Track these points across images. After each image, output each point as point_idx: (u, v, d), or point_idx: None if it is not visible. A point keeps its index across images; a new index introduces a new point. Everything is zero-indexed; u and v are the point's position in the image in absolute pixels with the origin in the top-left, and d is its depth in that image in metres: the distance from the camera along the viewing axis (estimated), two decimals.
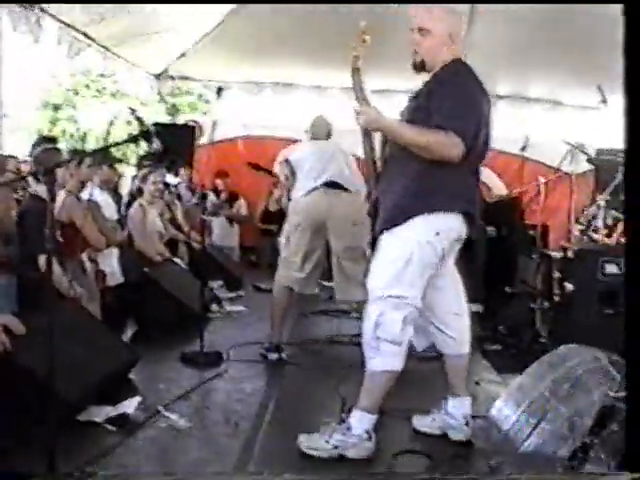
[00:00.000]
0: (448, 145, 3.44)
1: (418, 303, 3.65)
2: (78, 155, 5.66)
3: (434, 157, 3.50)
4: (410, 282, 3.62)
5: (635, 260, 2.59)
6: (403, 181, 3.65)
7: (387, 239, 3.70)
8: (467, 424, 3.88)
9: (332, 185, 5.48)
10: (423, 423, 4.04)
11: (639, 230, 2.61)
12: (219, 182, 10.40)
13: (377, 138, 3.92)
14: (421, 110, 3.60)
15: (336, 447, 3.64)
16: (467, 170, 3.67)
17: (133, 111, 2.97)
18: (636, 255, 2.60)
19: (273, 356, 5.37)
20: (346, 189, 5.50)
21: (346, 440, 3.64)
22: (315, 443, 3.68)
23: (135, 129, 12.95)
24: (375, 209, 3.84)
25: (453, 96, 3.53)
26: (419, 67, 3.75)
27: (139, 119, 2.98)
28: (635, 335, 2.73)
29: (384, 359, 3.64)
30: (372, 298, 3.69)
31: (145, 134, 3.12)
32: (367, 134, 3.90)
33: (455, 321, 3.98)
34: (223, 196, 10.42)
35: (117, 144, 3.50)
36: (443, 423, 3.97)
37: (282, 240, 5.62)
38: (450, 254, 3.85)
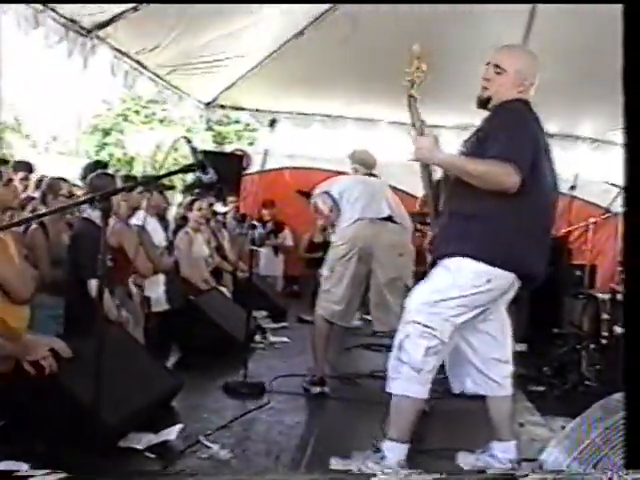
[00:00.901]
0: (503, 174, 3.41)
1: (445, 338, 3.62)
2: (131, 181, 5.71)
3: (489, 186, 3.47)
4: (443, 316, 3.60)
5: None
6: (464, 219, 3.63)
7: (437, 268, 3.70)
8: (512, 468, 3.82)
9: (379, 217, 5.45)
10: (467, 461, 3.99)
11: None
12: (265, 212, 10.44)
13: (438, 173, 3.91)
14: (479, 144, 3.59)
15: (369, 476, 3.60)
16: (533, 226, 3.64)
17: (189, 141, 2.98)
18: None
19: (315, 389, 5.31)
20: (393, 220, 5.46)
21: (379, 469, 3.60)
22: (348, 468, 3.67)
23: (182, 156, 13.11)
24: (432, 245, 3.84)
25: (509, 128, 3.53)
26: (484, 103, 3.75)
27: (194, 149, 3.00)
28: (634, 331, 2.68)
29: (404, 383, 3.62)
30: (403, 319, 3.70)
31: (201, 164, 3.13)
32: (425, 167, 3.89)
33: (496, 366, 3.91)
34: (269, 226, 10.45)
35: (173, 173, 3.52)
36: (487, 464, 3.91)
37: (324, 272, 5.53)
38: (501, 301, 3.80)
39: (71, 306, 4.71)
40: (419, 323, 3.60)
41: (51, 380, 3.81)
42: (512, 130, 3.51)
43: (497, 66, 3.69)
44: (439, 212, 3.90)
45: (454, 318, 3.62)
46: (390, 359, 3.71)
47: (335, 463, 3.73)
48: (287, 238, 10.86)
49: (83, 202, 4.16)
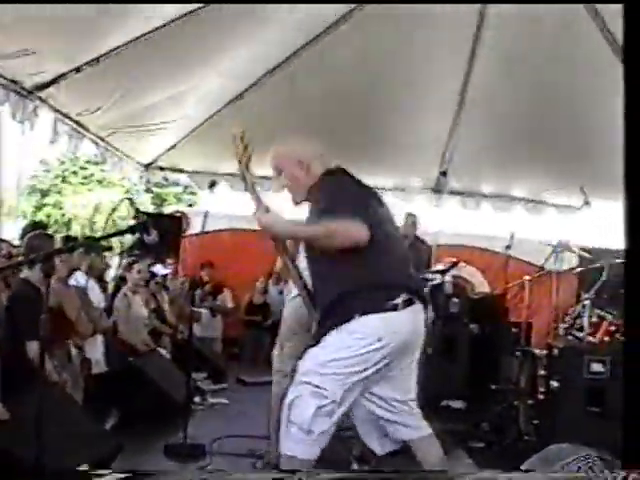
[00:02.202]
0: (353, 228, 3.49)
1: (337, 398, 3.57)
2: (71, 242, 5.68)
3: (342, 244, 3.52)
4: (334, 377, 3.57)
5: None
6: (333, 287, 3.66)
7: (332, 331, 3.66)
8: None
9: None
10: None
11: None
12: (203, 273, 10.40)
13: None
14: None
15: None
16: (396, 257, 3.74)
17: (132, 203, 3.00)
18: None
19: None
20: None
21: None
22: None
23: (121, 217, 13.06)
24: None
25: (334, 194, 3.66)
26: (298, 202, 3.91)
27: (137, 210, 3.02)
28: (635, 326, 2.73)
29: (292, 444, 3.58)
30: (294, 381, 3.69)
31: (144, 226, 3.16)
32: (276, 240, 3.94)
33: (401, 406, 3.89)
34: (207, 287, 10.41)
35: (116, 234, 3.52)
36: None
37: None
38: (405, 357, 3.80)
39: (8, 368, 4.61)
40: (309, 383, 3.58)
41: None
42: (330, 192, 3.67)
43: (276, 169, 3.96)
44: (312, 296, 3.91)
45: (346, 377, 3.58)
46: (282, 420, 3.67)
47: None
48: (227, 299, 10.80)
49: (22, 263, 4.13)
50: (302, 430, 3.55)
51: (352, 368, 3.59)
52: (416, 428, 3.92)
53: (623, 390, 2.98)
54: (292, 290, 4.99)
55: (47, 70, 6.31)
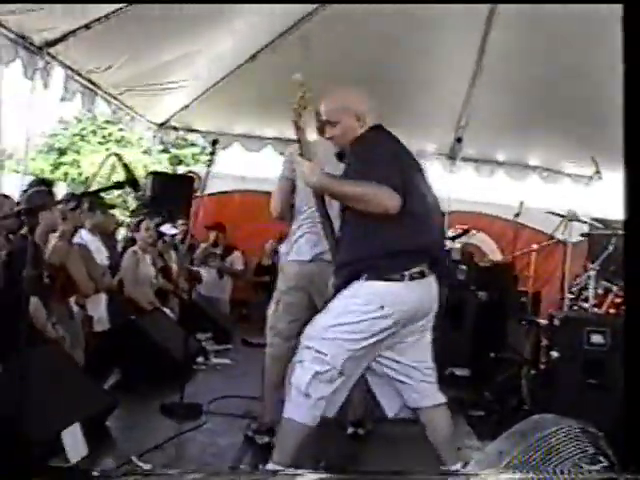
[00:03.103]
0: (385, 196, 3.45)
1: (338, 365, 3.56)
2: (67, 198, 5.67)
3: (373, 209, 3.49)
4: (337, 342, 3.57)
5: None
6: (355, 242, 3.65)
7: (338, 295, 3.68)
8: None
9: None
10: None
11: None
12: (211, 234, 10.32)
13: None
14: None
15: None
16: (421, 227, 3.66)
17: (120, 158, 2.98)
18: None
19: (263, 439, 4.71)
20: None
21: None
22: None
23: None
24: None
25: (367, 152, 3.61)
26: (341, 157, 3.85)
27: (126, 166, 2.98)
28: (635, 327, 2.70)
29: (292, 407, 3.60)
30: (301, 343, 3.70)
31: (131, 181, 3.12)
32: (317, 195, 3.92)
33: (414, 372, 3.85)
34: (215, 248, 10.34)
35: (104, 190, 3.51)
36: None
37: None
38: (411, 325, 3.75)
39: (5, 323, 4.63)
40: (311, 348, 3.59)
41: None
42: (370, 154, 3.59)
43: (328, 122, 3.85)
44: (337, 240, 3.87)
45: (349, 344, 3.57)
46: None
47: None
48: (237, 261, 10.77)
49: (7, 216, 4.11)
50: (300, 393, 3.56)
51: (354, 335, 3.58)
52: (428, 396, 3.89)
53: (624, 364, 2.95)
54: (291, 251, 4.94)
55: (56, 26, 6.29)
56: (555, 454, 2.89)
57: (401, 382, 3.85)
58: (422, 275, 3.63)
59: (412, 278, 3.59)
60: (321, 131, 4.30)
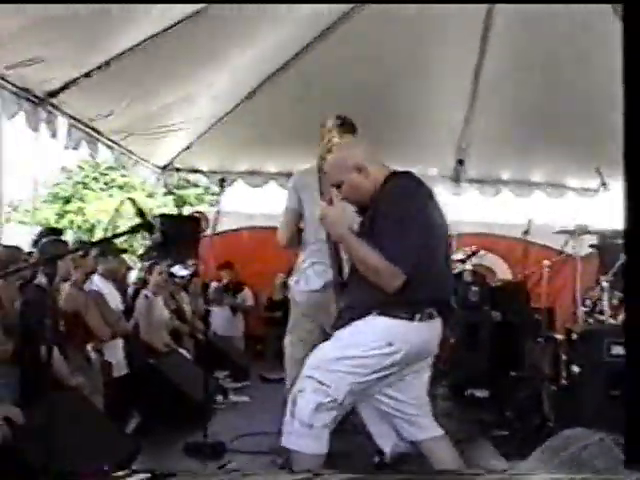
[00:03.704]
0: (388, 276, 3.45)
1: (340, 398, 3.55)
2: (82, 246, 5.71)
3: (372, 280, 3.50)
4: (339, 374, 3.55)
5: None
6: (363, 287, 3.61)
7: (344, 329, 3.67)
8: None
9: None
10: None
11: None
12: (223, 274, 10.39)
13: None
14: (370, 224, 3.62)
15: None
16: (434, 282, 3.65)
17: (133, 202, 3.01)
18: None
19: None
20: None
21: None
22: None
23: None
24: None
25: (392, 222, 3.53)
26: (361, 209, 3.80)
27: (140, 210, 3.02)
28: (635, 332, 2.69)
29: (296, 438, 3.57)
30: (301, 375, 3.67)
31: (146, 225, 3.14)
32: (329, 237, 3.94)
33: (410, 408, 3.87)
34: (226, 286, 10.36)
35: (119, 235, 3.55)
36: None
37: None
38: (415, 364, 3.76)
39: (25, 374, 4.64)
40: (314, 378, 3.57)
41: (7, 448, 3.77)
42: (395, 224, 3.51)
43: (337, 186, 3.80)
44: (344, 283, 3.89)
45: (351, 377, 3.56)
46: (286, 413, 3.66)
47: None
48: (247, 298, 10.79)
49: (26, 267, 4.14)
50: (303, 425, 3.54)
51: (359, 369, 3.57)
52: (427, 429, 3.90)
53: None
54: (301, 280, 4.98)
55: (57, 77, 6.34)
56: (588, 468, 2.89)
57: (396, 417, 3.87)
58: (430, 317, 3.65)
59: (421, 319, 3.60)
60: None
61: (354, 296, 3.72)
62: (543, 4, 6.59)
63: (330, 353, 3.62)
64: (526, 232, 7.46)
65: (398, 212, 3.54)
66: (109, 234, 15.61)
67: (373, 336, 3.56)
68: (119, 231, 4.31)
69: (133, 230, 3.29)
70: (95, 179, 19.10)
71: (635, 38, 2.70)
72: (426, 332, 3.66)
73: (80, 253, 5.43)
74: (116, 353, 6.27)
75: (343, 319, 3.70)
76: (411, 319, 3.56)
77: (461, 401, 7.23)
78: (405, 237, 3.48)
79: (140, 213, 3.28)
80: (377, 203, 3.65)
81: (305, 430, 3.54)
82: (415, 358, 3.69)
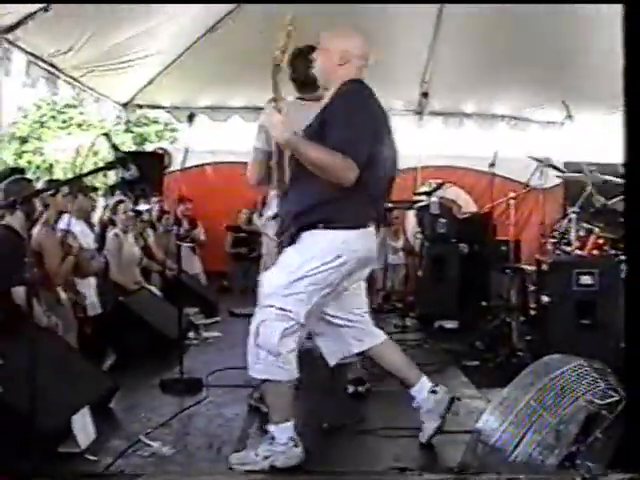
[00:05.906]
0: (343, 169, 3.44)
1: (302, 319, 3.61)
2: (53, 185, 5.62)
3: (327, 177, 3.50)
4: (297, 297, 3.59)
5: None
6: (308, 192, 3.63)
7: (289, 249, 3.70)
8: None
9: None
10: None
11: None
12: (182, 208, 10.20)
13: None
14: (320, 128, 3.60)
15: (266, 457, 3.65)
16: (373, 186, 3.69)
17: (109, 139, 2.94)
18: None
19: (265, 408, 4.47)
20: None
21: (273, 449, 3.65)
22: (245, 458, 3.72)
23: (102, 159, 12.98)
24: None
25: (348, 114, 3.53)
26: (314, 85, 3.92)
27: (114, 146, 2.96)
28: (635, 333, 2.75)
29: (265, 368, 3.61)
30: (259, 305, 3.68)
31: (122, 161, 3.10)
32: (278, 147, 3.90)
33: (355, 317, 4.03)
34: (186, 223, 10.24)
35: (94, 171, 3.46)
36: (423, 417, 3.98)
37: None
38: (357, 274, 3.84)
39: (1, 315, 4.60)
40: (273, 306, 3.59)
41: None
42: (352, 117, 3.52)
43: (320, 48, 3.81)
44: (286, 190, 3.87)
45: (309, 297, 3.61)
46: (248, 346, 3.67)
47: (233, 459, 3.75)
48: (200, 234, 10.70)
49: (3, 207, 4.07)
50: (271, 353, 3.57)
51: (314, 286, 3.61)
52: (371, 336, 4.05)
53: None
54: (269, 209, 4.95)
55: (13, 11, 6.15)
56: (568, 392, 2.96)
57: (342, 327, 4.00)
58: (369, 224, 3.73)
59: (364, 226, 3.68)
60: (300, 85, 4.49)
61: (297, 206, 3.69)
62: None
63: (283, 278, 3.62)
64: (492, 164, 7.49)
65: (351, 112, 3.54)
66: (72, 173, 15.39)
67: (321, 252, 3.59)
68: (91, 168, 4.22)
69: (110, 166, 3.25)
70: (53, 117, 18.75)
71: (635, 38, 2.72)
72: (368, 239, 3.73)
73: (50, 192, 5.33)
74: (89, 292, 6.25)
75: (289, 232, 3.72)
76: (354, 228, 3.62)
77: (430, 332, 7.34)
78: (355, 131, 3.49)
79: (115, 148, 3.24)
80: (332, 101, 3.66)
81: (272, 358, 3.58)
82: (359, 267, 3.77)
